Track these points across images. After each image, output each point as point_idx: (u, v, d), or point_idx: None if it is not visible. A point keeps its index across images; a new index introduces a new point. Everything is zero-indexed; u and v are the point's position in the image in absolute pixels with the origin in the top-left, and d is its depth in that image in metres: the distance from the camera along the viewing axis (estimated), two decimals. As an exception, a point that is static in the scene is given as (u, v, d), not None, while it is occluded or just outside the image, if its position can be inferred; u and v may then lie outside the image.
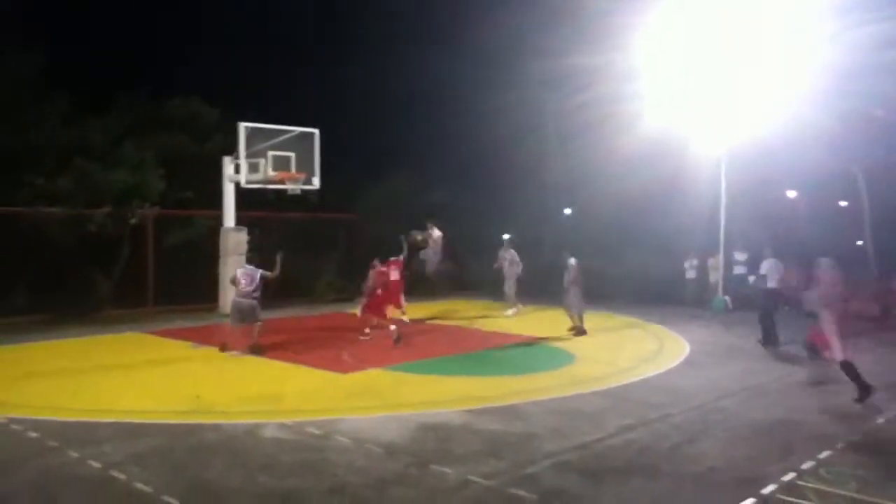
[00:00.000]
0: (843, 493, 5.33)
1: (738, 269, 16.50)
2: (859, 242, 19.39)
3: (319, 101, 23.18)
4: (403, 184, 20.62)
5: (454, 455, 6.13)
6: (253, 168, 14.41)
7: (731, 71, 15.62)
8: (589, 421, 7.23)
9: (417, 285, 16.10)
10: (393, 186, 20.71)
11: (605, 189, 19.15)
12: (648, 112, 16.87)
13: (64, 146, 15.51)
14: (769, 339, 11.74)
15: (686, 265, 17.99)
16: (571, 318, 12.89)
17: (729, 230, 16.89)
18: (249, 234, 15.51)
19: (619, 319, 14.97)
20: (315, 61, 27.39)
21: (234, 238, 15.09)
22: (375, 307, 12.42)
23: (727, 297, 16.54)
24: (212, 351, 10.84)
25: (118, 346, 11.74)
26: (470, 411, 7.56)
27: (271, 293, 13.63)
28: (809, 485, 5.49)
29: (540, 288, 15.50)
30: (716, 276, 17.21)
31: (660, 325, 13.93)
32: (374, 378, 9.36)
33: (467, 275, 19.97)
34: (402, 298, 13.85)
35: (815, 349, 8.67)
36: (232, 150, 14.85)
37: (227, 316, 11.50)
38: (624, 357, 10.91)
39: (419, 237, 14.68)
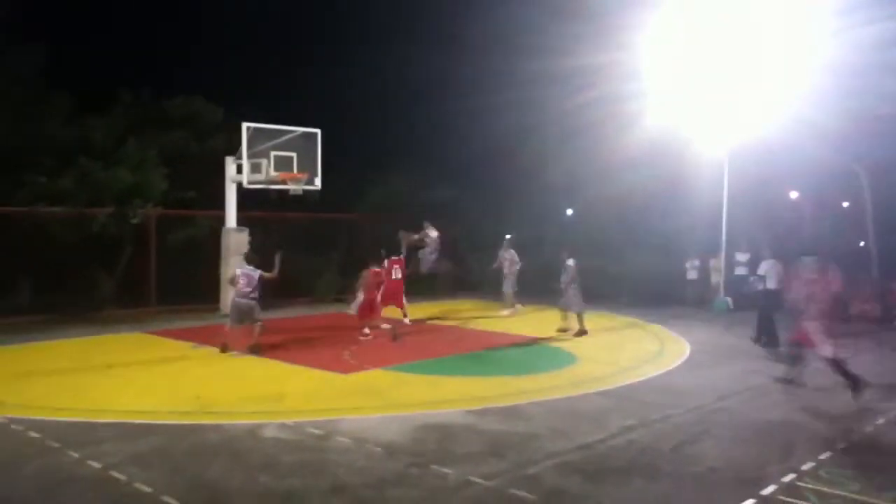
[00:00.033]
0: (843, 494, 5.33)
1: (740, 270, 16.48)
2: (862, 244, 19.36)
3: (320, 100, 23.23)
4: (404, 184, 20.63)
5: (455, 455, 6.13)
6: (255, 168, 14.40)
7: (733, 70, 15.61)
8: (590, 421, 7.23)
9: (417, 285, 16.09)
10: (394, 186, 20.72)
11: (607, 189, 19.15)
12: (650, 112, 16.87)
13: (65, 145, 15.51)
14: (772, 340, 11.72)
15: (687, 266, 17.98)
16: (564, 318, 12.87)
17: (731, 231, 16.88)
18: (250, 234, 15.51)
19: (619, 319, 14.97)
20: (315, 61, 27.41)
21: (235, 238, 15.09)
22: (368, 307, 12.48)
23: (728, 298, 16.55)
24: (213, 351, 10.85)
25: (119, 346, 11.74)
26: (471, 411, 7.56)
27: (272, 293, 13.65)
28: (809, 486, 5.49)
29: (540, 288, 15.49)
30: (717, 277, 17.21)
31: (660, 326, 13.92)
32: (375, 378, 9.37)
33: (468, 274, 19.96)
34: (404, 299, 13.86)
35: (801, 348, 8.67)
36: (234, 149, 14.85)
37: (227, 316, 11.51)
38: (625, 357, 10.91)
39: (415, 237, 14.66)
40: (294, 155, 14.73)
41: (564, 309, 12.85)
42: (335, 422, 7.12)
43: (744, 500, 5.22)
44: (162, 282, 15.51)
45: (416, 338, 12.63)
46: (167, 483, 5.45)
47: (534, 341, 12.34)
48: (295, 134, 14.90)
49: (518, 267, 15.57)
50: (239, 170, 14.76)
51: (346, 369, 9.73)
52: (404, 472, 5.74)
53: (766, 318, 12.01)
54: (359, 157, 22.34)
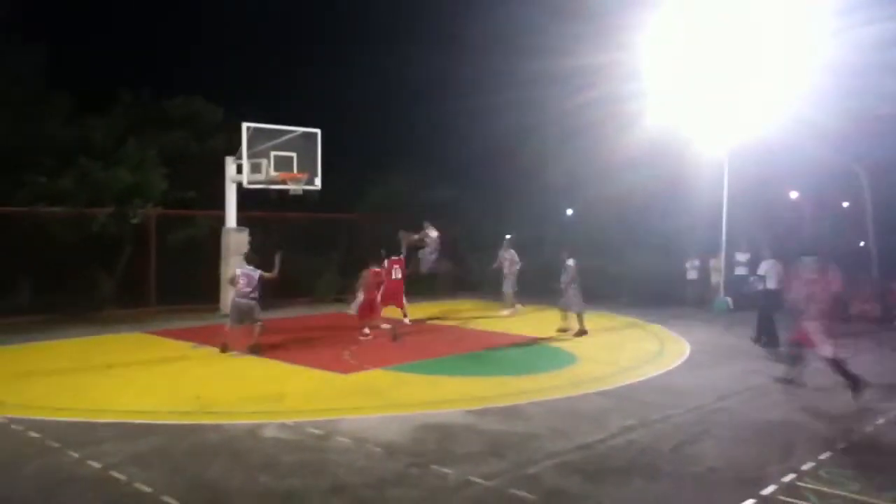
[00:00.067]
0: (843, 494, 5.33)
1: (740, 270, 16.48)
2: (862, 244, 19.36)
3: (320, 100, 23.23)
4: (404, 184, 20.63)
5: (455, 455, 6.13)
6: (255, 168, 14.40)
7: (733, 70, 15.61)
8: (590, 421, 7.23)
9: (417, 285, 16.10)
10: (394, 186, 20.72)
11: (607, 189, 19.15)
12: (650, 112, 16.87)
13: (65, 145, 15.51)
14: (772, 340, 11.72)
15: (687, 265, 17.98)
16: (564, 318, 12.87)
17: (731, 231, 16.88)
18: (251, 234, 15.51)
19: (619, 319, 14.97)
20: (315, 61, 27.42)
21: (235, 238, 15.09)
22: (368, 307, 12.52)
23: (728, 298, 16.55)
24: (212, 351, 10.85)
25: (119, 346, 11.74)
26: (471, 411, 7.57)
27: (272, 293, 13.65)
28: (810, 486, 5.49)
29: (541, 288, 15.49)
30: (717, 277, 17.21)
31: (660, 326, 13.92)
32: (375, 378, 9.37)
33: (468, 274, 19.96)
34: (404, 299, 13.87)
35: (800, 348, 8.68)
36: (234, 149, 14.85)
37: (227, 316, 11.51)
38: (625, 357, 10.91)
39: (415, 237, 14.65)
40: (294, 155, 14.73)
41: (564, 309, 12.85)
42: (335, 422, 7.12)
43: (744, 500, 5.22)
44: (162, 282, 15.51)
45: (416, 338, 12.63)
46: (167, 483, 5.45)
47: (534, 341, 12.34)
48: (295, 134, 14.91)
49: (518, 267, 15.57)
50: (239, 170, 14.76)
51: (346, 369, 9.73)
52: (404, 472, 5.74)
53: (766, 318, 12.01)
54: (359, 157, 22.35)
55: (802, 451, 6.33)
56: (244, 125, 14.46)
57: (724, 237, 16.86)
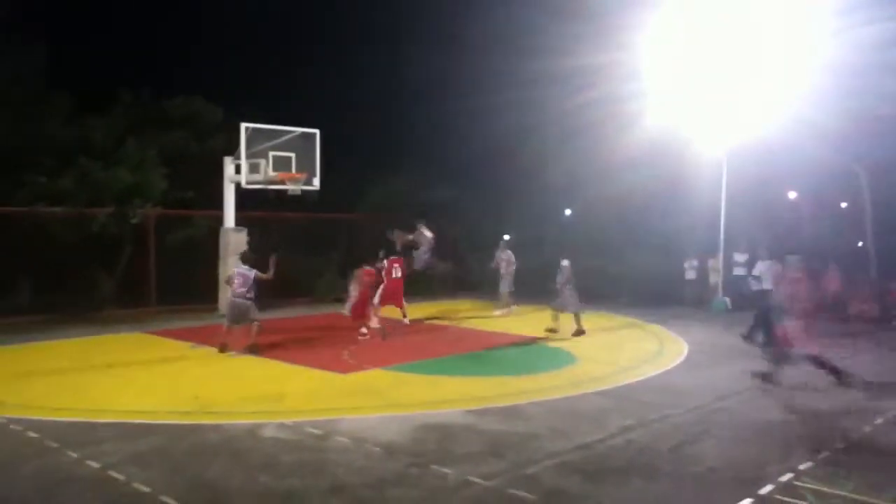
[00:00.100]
0: (841, 493, 5.34)
1: (738, 271, 16.49)
2: (860, 244, 19.37)
3: (320, 100, 23.23)
4: (404, 184, 20.62)
5: (454, 455, 6.14)
6: (253, 168, 14.40)
7: (733, 70, 15.62)
8: (589, 421, 7.24)
9: (417, 285, 16.09)
10: (394, 186, 20.72)
11: (607, 189, 19.15)
12: (650, 112, 16.87)
13: (65, 145, 15.50)
14: (770, 340, 11.72)
15: (686, 266, 17.98)
16: (555, 319, 12.82)
17: (730, 231, 16.88)
18: (250, 234, 15.51)
19: (618, 319, 14.97)
20: (315, 61, 27.41)
21: (234, 238, 15.09)
22: (361, 306, 12.64)
23: (727, 298, 16.55)
24: (211, 351, 10.85)
25: (118, 346, 11.74)
26: (470, 411, 7.57)
27: (272, 293, 13.63)
28: (808, 485, 5.49)
29: (540, 288, 15.50)
30: (715, 278, 17.21)
31: (659, 326, 13.93)
32: (374, 378, 9.37)
33: (468, 274, 19.96)
34: (403, 300, 13.88)
35: (784, 347, 8.75)
36: (234, 149, 14.84)
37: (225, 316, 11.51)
38: (624, 357, 10.92)
39: (410, 237, 14.63)
40: (293, 155, 14.72)
41: (560, 310, 12.80)
42: (335, 422, 7.12)
43: (742, 499, 5.22)
44: (161, 282, 15.50)
45: (415, 338, 12.64)
46: (166, 483, 5.45)
47: (533, 341, 12.34)
48: (293, 134, 14.89)
49: (514, 268, 15.60)
50: (237, 170, 14.75)
51: (345, 369, 9.73)
52: (404, 472, 5.74)
53: (764, 318, 12.01)
54: (359, 157, 22.33)
55: (801, 450, 6.33)
56: (242, 125, 14.45)
57: (722, 237, 16.87)
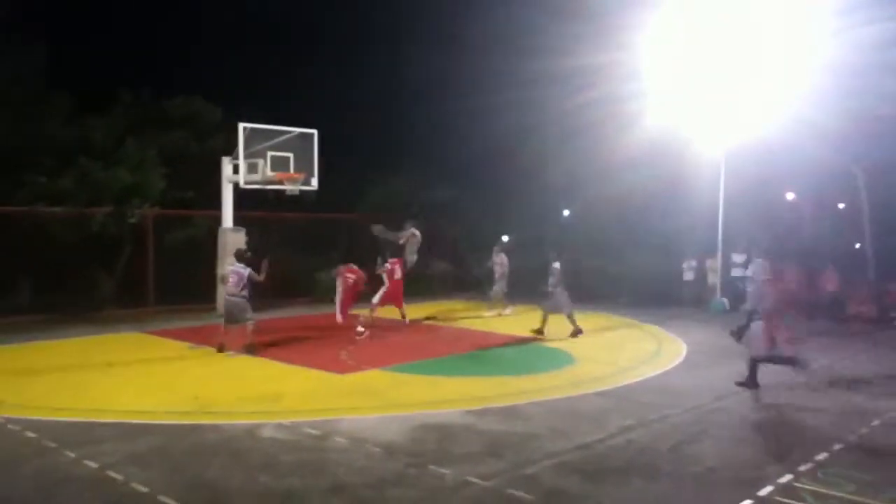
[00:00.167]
0: (840, 494, 5.34)
1: (736, 271, 16.49)
2: (857, 245, 19.36)
3: (320, 100, 23.21)
4: (404, 184, 20.61)
5: (453, 455, 6.14)
6: (252, 168, 14.39)
7: (733, 70, 15.62)
8: (589, 421, 7.24)
9: (416, 285, 16.08)
10: (394, 186, 20.71)
11: (607, 189, 19.14)
12: (650, 112, 16.87)
13: (65, 145, 15.50)
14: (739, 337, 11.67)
15: (684, 266, 17.98)
16: (543, 320, 12.72)
17: (730, 231, 16.88)
18: (249, 234, 15.50)
19: (617, 320, 14.97)
20: (315, 61, 27.40)
21: (232, 238, 15.09)
22: (346, 305, 12.93)
23: (725, 299, 16.55)
24: (210, 351, 10.85)
25: (117, 346, 11.73)
26: (469, 411, 7.57)
27: (272, 293, 13.64)
28: (806, 486, 5.49)
29: (539, 288, 15.48)
30: (714, 278, 17.21)
31: (658, 326, 13.92)
32: (373, 378, 9.37)
33: (467, 275, 19.96)
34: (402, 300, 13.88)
35: (770, 348, 8.80)
36: (233, 149, 14.85)
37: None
38: (623, 357, 10.92)
39: (401, 239, 14.52)
40: (291, 155, 14.71)
41: (552, 311, 12.73)
42: (333, 422, 7.12)
43: (741, 500, 5.22)
44: (160, 282, 15.51)
45: (414, 338, 12.64)
46: (165, 483, 5.45)
47: (532, 341, 12.34)
48: (292, 134, 14.88)
49: (506, 270, 15.62)
50: (235, 170, 14.76)
51: (343, 369, 9.73)
52: (403, 472, 5.74)
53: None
54: (359, 157, 22.32)
55: (799, 451, 6.33)
56: (241, 125, 14.45)
57: (720, 238, 16.86)
